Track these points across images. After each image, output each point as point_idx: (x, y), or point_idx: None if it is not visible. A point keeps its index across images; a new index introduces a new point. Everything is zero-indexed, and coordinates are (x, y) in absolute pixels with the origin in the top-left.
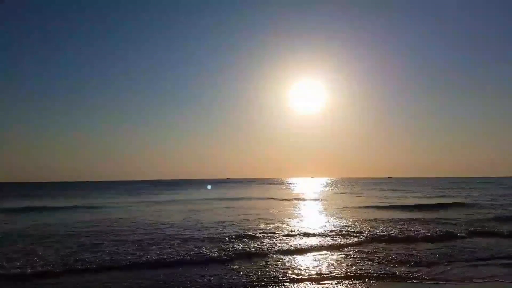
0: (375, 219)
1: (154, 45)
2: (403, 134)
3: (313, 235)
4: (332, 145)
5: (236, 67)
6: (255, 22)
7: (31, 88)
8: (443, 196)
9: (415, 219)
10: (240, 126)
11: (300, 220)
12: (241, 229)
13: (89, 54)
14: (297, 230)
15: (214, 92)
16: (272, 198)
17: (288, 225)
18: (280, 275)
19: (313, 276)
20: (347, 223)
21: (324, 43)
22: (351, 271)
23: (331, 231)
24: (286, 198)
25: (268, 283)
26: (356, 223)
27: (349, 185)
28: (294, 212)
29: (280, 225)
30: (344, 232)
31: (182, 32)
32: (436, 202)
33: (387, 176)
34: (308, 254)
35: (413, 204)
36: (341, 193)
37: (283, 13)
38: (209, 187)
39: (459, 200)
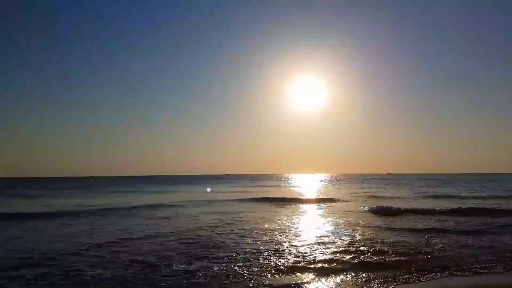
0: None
1: (156, 42)
2: (402, 131)
3: None
4: (332, 141)
5: (236, 64)
6: (258, 20)
7: (32, 87)
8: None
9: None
10: (241, 122)
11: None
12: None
13: (90, 53)
14: None
15: (214, 88)
16: (266, 199)
17: None
18: None
19: None
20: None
21: (326, 41)
22: None
23: None
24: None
25: None
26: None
27: (352, 181)
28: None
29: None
30: None
31: (184, 31)
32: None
33: (387, 173)
34: None
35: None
36: (352, 192)
37: (284, 11)
38: (208, 189)
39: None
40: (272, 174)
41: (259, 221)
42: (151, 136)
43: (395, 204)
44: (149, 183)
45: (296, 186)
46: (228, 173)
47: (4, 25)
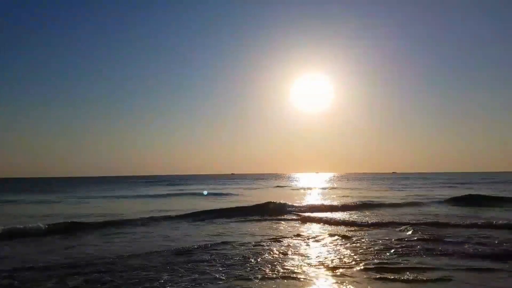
0: None
1: (160, 39)
2: (408, 130)
3: None
4: (337, 140)
5: (243, 63)
6: (263, 18)
7: (30, 86)
8: None
9: None
10: (246, 122)
11: None
12: None
13: (90, 52)
14: None
15: (221, 87)
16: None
17: None
18: None
19: None
20: None
21: (332, 40)
22: None
23: None
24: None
25: None
26: None
27: (364, 181)
28: None
29: None
30: None
31: (188, 29)
32: None
33: (391, 172)
34: None
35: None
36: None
37: (288, 9)
38: (205, 193)
39: None
40: (277, 174)
41: None
42: (155, 136)
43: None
44: (146, 184)
45: (307, 188)
46: (234, 173)
47: (3, 24)
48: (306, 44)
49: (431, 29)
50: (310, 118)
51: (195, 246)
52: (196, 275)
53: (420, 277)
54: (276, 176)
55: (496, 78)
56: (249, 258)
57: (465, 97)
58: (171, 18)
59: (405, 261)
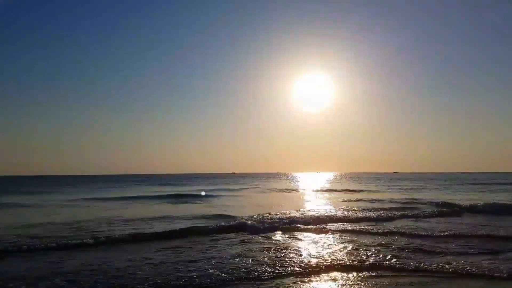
0: None
1: (160, 39)
2: (410, 130)
3: None
4: (338, 140)
5: (244, 63)
6: (263, 18)
7: (28, 84)
8: None
9: None
10: (247, 121)
11: None
12: None
13: (90, 52)
14: None
15: (221, 87)
16: None
17: None
18: None
19: None
20: None
21: (334, 40)
22: None
23: None
24: None
25: None
26: None
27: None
28: None
29: None
30: None
31: (187, 28)
32: None
33: (393, 171)
34: None
35: None
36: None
37: (288, 10)
38: (203, 193)
39: None
40: (277, 173)
41: None
42: (156, 135)
43: None
44: (136, 182)
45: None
46: (234, 172)
47: (3, 24)
48: (307, 44)
49: (432, 29)
50: (311, 118)
51: None
52: None
53: None
54: (276, 176)
55: (496, 78)
56: None
57: (465, 97)
58: (171, 18)
59: None
